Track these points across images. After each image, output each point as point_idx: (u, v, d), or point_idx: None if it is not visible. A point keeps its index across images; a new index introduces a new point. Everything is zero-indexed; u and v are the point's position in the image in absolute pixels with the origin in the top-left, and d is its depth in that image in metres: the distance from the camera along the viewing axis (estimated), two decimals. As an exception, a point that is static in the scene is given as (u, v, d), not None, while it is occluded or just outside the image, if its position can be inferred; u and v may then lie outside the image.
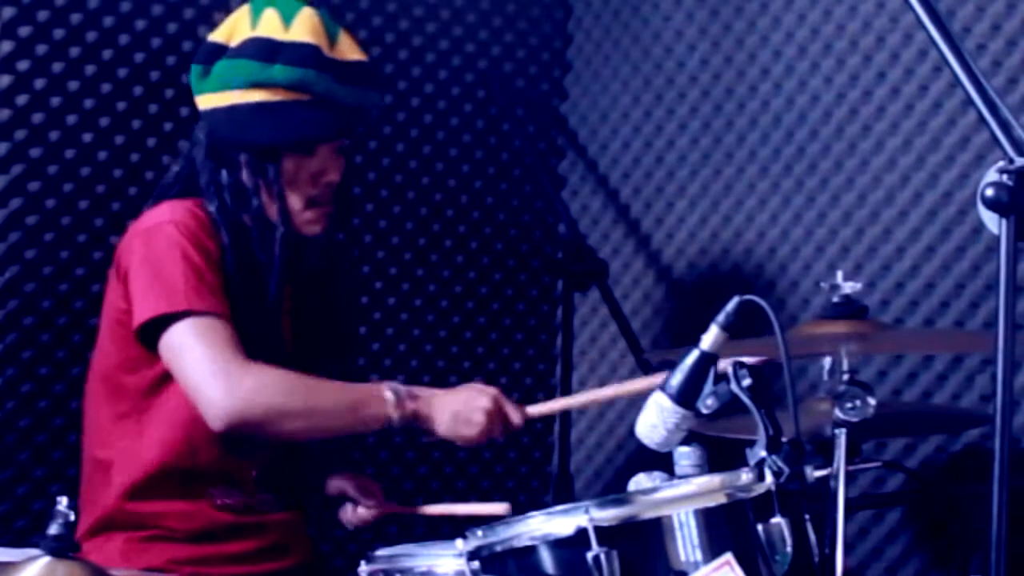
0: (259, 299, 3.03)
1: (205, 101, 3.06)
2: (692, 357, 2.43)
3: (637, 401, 2.54)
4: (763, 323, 2.40)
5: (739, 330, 2.43)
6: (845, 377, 2.72)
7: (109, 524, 3.01)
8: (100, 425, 3.07)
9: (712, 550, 2.27)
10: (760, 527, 2.30)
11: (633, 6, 4.05)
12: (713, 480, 2.34)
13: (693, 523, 2.28)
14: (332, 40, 3.05)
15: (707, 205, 3.89)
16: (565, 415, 3.85)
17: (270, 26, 3.03)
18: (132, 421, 3.02)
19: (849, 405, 2.67)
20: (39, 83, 3.41)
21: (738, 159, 3.82)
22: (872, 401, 2.68)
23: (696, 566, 2.26)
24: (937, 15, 2.18)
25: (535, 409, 3.14)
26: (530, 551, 2.32)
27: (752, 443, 2.35)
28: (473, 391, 3.03)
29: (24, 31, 3.39)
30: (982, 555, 2.07)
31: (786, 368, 2.36)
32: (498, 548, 2.35)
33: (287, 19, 3.03)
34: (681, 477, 2.43)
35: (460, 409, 2.99)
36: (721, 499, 2.31)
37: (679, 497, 2.31)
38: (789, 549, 2.29)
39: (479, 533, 2.38)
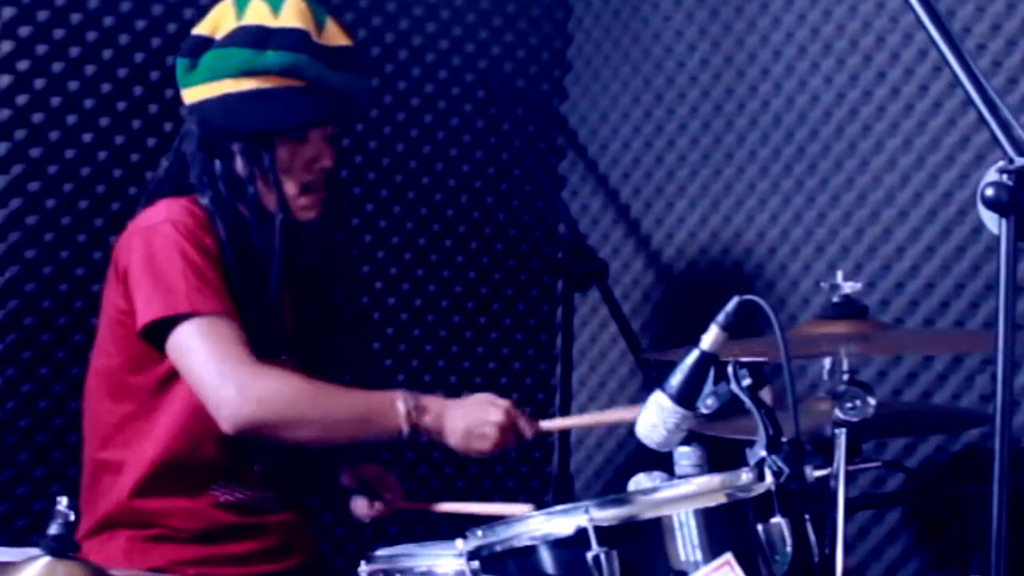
0: (260, 288, 3.03)
1: (194, 93, 3.06)
2: (692, 357, 2.43)
3: (637, 401, 2.54)
4: (763, 323, 2.40)
5: (739, 330, 2.44)
6: (845, 377, 2.72)
7: (112, 523, 3.02)
8: (106, 426, 3.07)
9: (712, 550, 2.27)
10: (760, 527, 2.30)
11: (633, 6, 4.05)
12: (713, 480, 2.34)
13: (693, 523, 2.28)
14: (320, 26, 3.06)
15: (707, 205, 3.89)
16: (565, 415, 3.84)
17: (258, 14, 3.03)
18: (140, 421, 3.02)
19: (849, 405, 2.67)
20: (39, 83, 3.41)
21: (738, 159, 3.82)
22: (872, 401, 2.68)
23: (696, 566, 2.26)
24: (937, 15, 2.18)
25: (548, 424, 3.14)
26: (530, 551, 2.32)
27: (752, 443, 2.35)
28: (485, 404, 3.02)
29: (24, 31, 3.39)
30: (982, 555, 2.07)
31: (786, 368, 2.36)
32: (498, 548, 2.35)
33: (275, 6, 3.03)
34: (681, 477, 2.43)
35: (472, 424, 2.99)
36: (721, 499, 2.31)
37: (679, 497, 2.31)
38: (789, 549, 2.29)
39: (479, 533, 2.38)
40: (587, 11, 4.17)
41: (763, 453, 2.33)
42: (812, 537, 2.35)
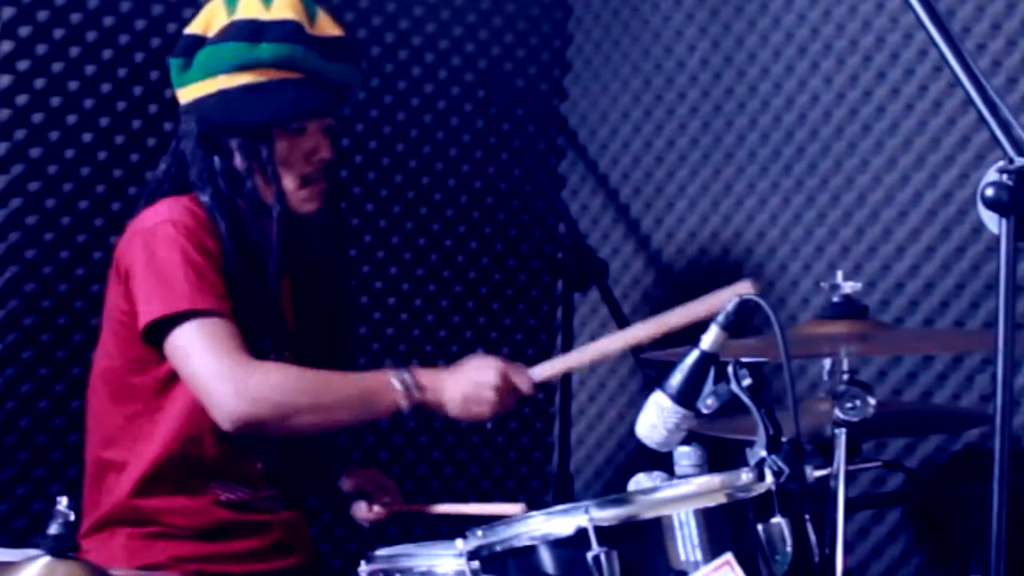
0: (260, 282, 3.03)
1: (190, 92, 3.06)
2: (692, 357, 2.43)
3: (637, 401, 2.54)
4: (763, 323, 2.40)
5: (739, 330, 2.44)
6: (845, 377, 2.72)
7: (113, 520, 3.02)
8: (110, 426, 3.07)
9: (712, 550, 2.27)
10: (760, 527, 2.30)
11: (633, 6, 4.05)
12: (713, 480, 2.34)
13: (693, 523, 2.28)
14: (312, 17, 3.06)
15: (707, 205, 3.89)
16: (565, 415, 3.84)
17: (250, 8, 3.03)
18: (145, 420, 3.02)
19: (849, 405, 2.67)
20: (39, 83, 3.41)
21: (738, 159, 3.82)
22: (872, 401, 2.68)
23: (696, 566, 2.26)
24: (937, 15, 2.18)
25: (540, 372, 3.12)
26: (530, 551, 2.32)
27: (752, 443, 2.35)
28: (478, 369, 3.02)
29: (24, 31, 3.39)
30: (982, 555, 2.07)
31: (786, 368, 2.36)
32: (498, 548, 2.35)
33: (266, 0, 3.03)
34: (681, 477, 2.43)
35: (469, 391, 2.98)
36: (721, 499, 2.31)
37: (679, 497, 2.31)
38: (789, 549, 2.29)
39: (479, 533, 2.38)
40: (587, 11, 4.17)
41: (763, 453, 2.33)
42: (812, 537, 2.35)
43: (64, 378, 3.45)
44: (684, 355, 2.44)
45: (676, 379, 2.43)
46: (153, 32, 3.55)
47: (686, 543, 2.27)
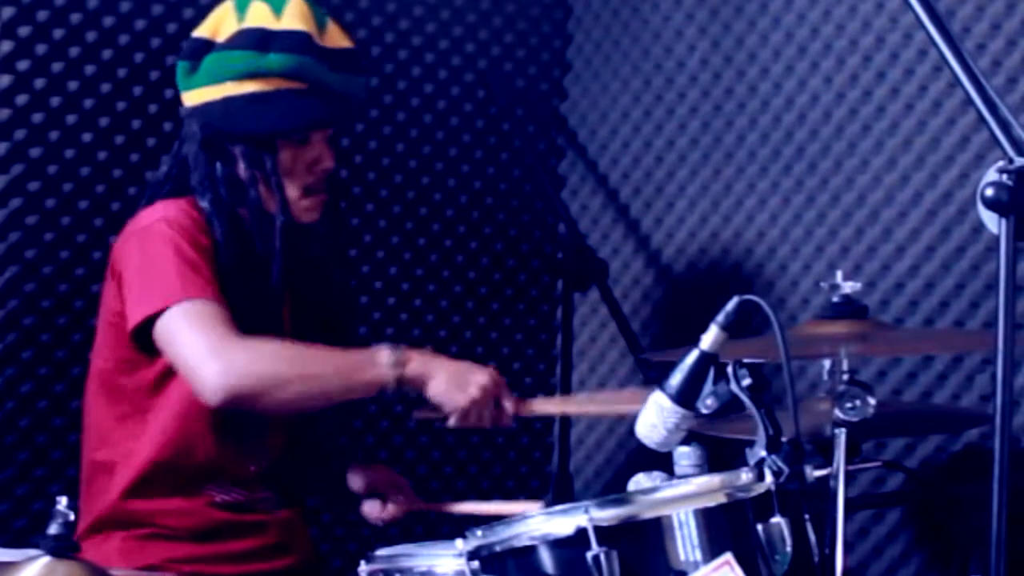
0: (259, 291, 3.03)
1: (195, 96, 3.06)
2: (692, 357, 2.43)
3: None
4: (763, 323, 2.40)
5: (739, 330, 2.43)
6: (845, 377, 2.72)
7: (107, 523, 3.01)
8: (101, 427, 3.07)
9: (712, 550, 2.27)
10: (760, 527, 2.30)
11: (633, 6, 4.05)
12: (713, 480, 2.34)
13: (693, 523, 2.28)
14: (321, 28, 3.06)
15: (707, 205, 3.89)
16: (565, 416, 3.84)
17: (260, 16, 3.03)
18: (134, 422, 3.02)
19: (849, 405, 2.67)
20: (39, 83, 3.41)
21: (738, 159, 3.82)
22: (872, 401, 2.68)
23: (696, 566, 2.26)
24: (937, 15, 2.18)
25: (537, 407, 3.13)
26: (530, 551, 2.32)
27: (752, 443, 2.35)
28: (473, 365, 3.02)
29: (24, 31, 3.39)
30: (982, 555, 2.07)
31: (786, 368, 2.36)
32: (498, 548, 2.35)
33: (276, 9, 3.03)
34: (681, 477, 2.43)
35: (456, 375, 2.98)
36: (721, 499, 2.31)
37: (679, 497, 2.31)
38: (789, 549, 2.29)
39: (479, 533, 2.38)
40: (587, 11, 4.17)
41: (763, 453, 2.33)
42: (812, 537, 2.35)
43: (64, 378, 3.45)
44: (684, 355, 2.44)
45: (676, 379, 2.43)
46: (153, 32, 3.55)
47: (686, 543, 2.27)
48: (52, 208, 3.44)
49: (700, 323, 2.45)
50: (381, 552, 2.72)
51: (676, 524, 2.28)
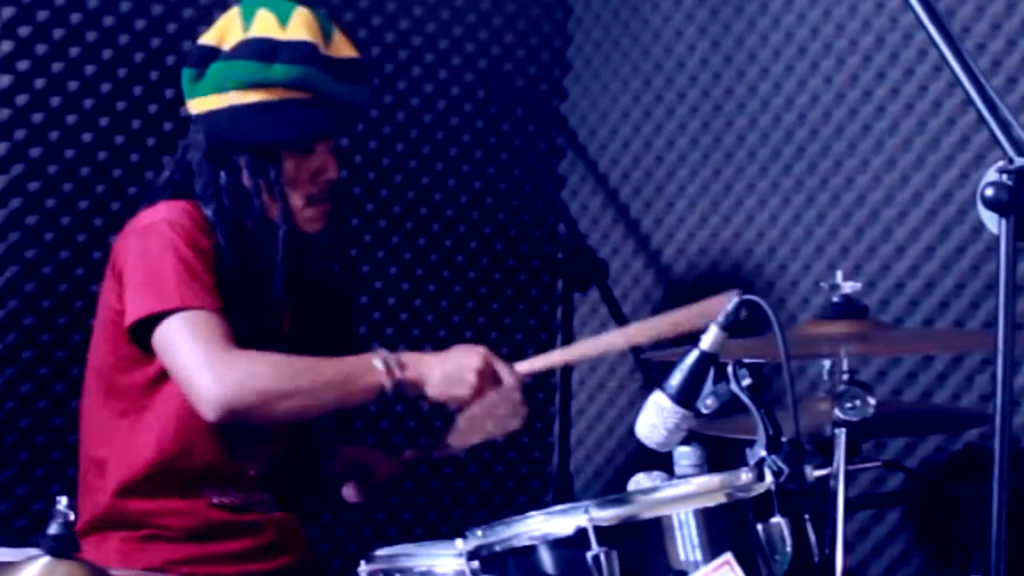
0: (260, 299, 3.03)
1: (200, 104, 3.06)
2: (692, 357, 2.43)
3: (637, 401, 2.54)
4: (763, 323, 2.40)
5: (739, 330, 2.44)
6: (845, 377, 2.72)
7: (104, 523, 3.01)
8: (97, 425, 3.07)
9: (712, 550, 2.27)
10: (760, 527, 2.30)
11: (633, 6, 4.05)
12: (713, 480, 2.34)
13: (693, 523, 2.28)
14: (327, 38, 3.06)
15: (707, 205, 3.89)
16: (565, 415, 3.84)
17: (266, 26, 3.03)
18: (129, 420, 3.02)
19: (849, 405, 2.67)
20: (39, 83, 3.41)
21: (738, 159, 3.82)
22: (872, 401, 2.68)
23: (696, 566, 2.26)
24: (937, 15, 2.18)
25: (525, 366, 3.12)
26: (530, 551, 2.32)
27: (752, 443, 2.35)
28: (462, 351, 3.02)
29: (24, 31, 3.39)
30: (982, 555, 2.07)
31: (786, 368, 2.36)
32: (498, 548, 2.35)
33: (283, 19, 3.03)
34: (681, 477, 2.43)
35: (451, 369, 2.98)
36: (721, 499, 2.31)
37: (679, 497, 2.31)
38: (789, 549, 2.29)
39: (479, 533, 2.38)
40: (587, 11, 4.17)
41: (763, 453, 2.33)
42: (812, 537, 2.35)
43: (64, 378, 3.45)
44: (684, 355, 2.44)
45: (676, 379, 2.43)
46: (153, 32, 3.55)
47: (686, 543, 2.27)
48: (52, 208, 3.44)
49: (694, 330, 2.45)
50: (381, 552, 2.72)
51: (676, 524, 2.28)
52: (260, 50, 3.01)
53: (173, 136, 3.54)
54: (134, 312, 2.92)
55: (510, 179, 4.13)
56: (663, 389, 2.44)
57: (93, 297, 3.27)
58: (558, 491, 3.81)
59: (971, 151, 3.39)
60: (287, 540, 3.15)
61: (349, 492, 3.31)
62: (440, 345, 3.97)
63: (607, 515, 2.27)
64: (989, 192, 2.06)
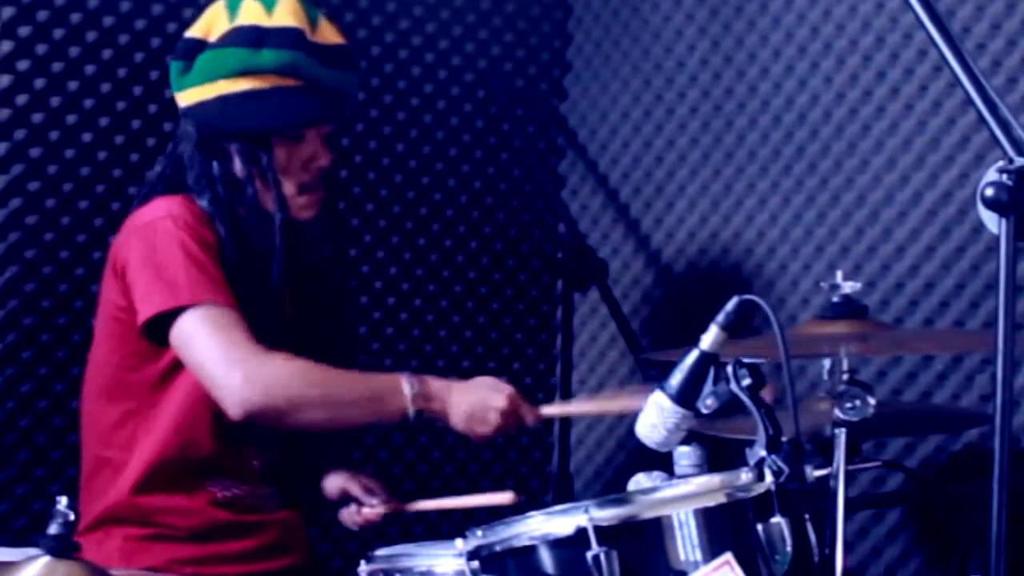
0: (260, 287, 3.03)
1: (189, 96, 3.06)
2: (692, 357, 2.43)
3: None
4: (763, 323, 2.40)
5: (739, 330, 2.44)
6: (845, 377, 2.72)
7: (111, 519, 3.02)
8: (105, 425, 3.07)
9: (712, 550, 2.27)
10: (760, 527, 2.30)
11: (633, 6, 4.05)
12: (713, 480, 2.34)
13: (693, 523, 2.28)
14: (313, 24, 3.07)
15: (707, 205, 3.89)
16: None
17: (252, 14, 3.03)
18: (141, 418, 3.03)
19: (849, 405, 2.67)
20: (39, 83, 3.41)
21: (738, 159, 3.82)
22: (872, 401, 2.68)
23: (696, 566, 2.26)
24: (937, 15, 2.18)
25: (548, 410, 3.15)
26: (530, 551, 2.32)
27: (752, 443, 2.35)
28: (490, 389, 3.02)
29: (24, 31, 3.39)
30: (982, 555, 2.07)
31: (786, 368, 2.36)
32: (498, 548, 2.35)
33: (268, 6, 3.04)
34: (681, 477, 2.43)
35: (476, 408, 2.99)
36: (721, 499, 2.31)
37: (679, 497, 2.31)
38: (789, 549, 2.29)
39: (479, 533, 2.38)
40: (587, 11, 4.17)
41: (763, 453, 2.33)
42: (812, 537, 2.35)
43: (64, 378, 3.45)
44: (684, 355, 2.44)
45: (676, 379, 2.43)
46: (153, 32, 3.55)
47: (686, 543, 2.27)
48: (52, 208, 3.44)
49: (700, 323, 2.45)
50: (381, 552, 2.72)
51: (676, 524, 2.28)
52: (247, 38, 3.02)
53: (173, 136, 3.54)
54: (148, 309, 2.92)
55: (510, 179, 4.13)
56: (663, 389, 2.44)
57: (93, 297, 3.27)
58: (558, 491, 3.81)
59: (971, 151, 3.39)
60: (290, 540, 3.16)
61: (347, 516, 3.29)
62: (440, 345, 4.00)
63: (607, 515, 2.27)
64: (989, 192, 2.06)
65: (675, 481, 2.41)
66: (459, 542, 2.41)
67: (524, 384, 4.12)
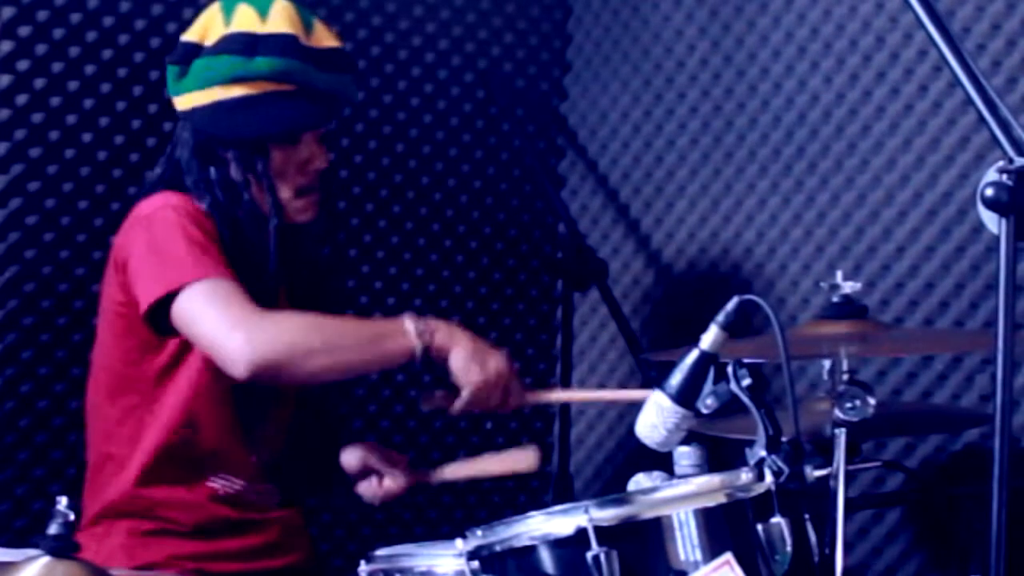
0: (254, 292, 3.03)
1: (186, 101, 3.07)
2: (692, 357, 2.43)
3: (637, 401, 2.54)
4: (763, 323, 2.40)
5: (739, 330, 2.44)
6: (845, 377, 2.72)
7: (114, 512, 3.02)
8: (108, 420, 3.08)
9: (712, 550, 2.27)
10: (760, 527, 2.30)
11: (633, 6, 4.05)
12: (713, 480, 2.34)
13: (693, 523, 2.28)
14: (308, 29, 3.07)
15: (707, 205, 3.89)
16: (565, 415, 3.84)
17: (246, 20, 3.04)
18: (144, 412, 3.04)
19: (849, 405, 2.67)
20: (39, 83, 3.41)
21: (738, 159, 3.82)
22: (872, 401, 2.68)
23: (696, 566, 2.26)
24: (937, 15, 2.18)
25: (535, 397, 3.14)
26: (530, 551, 2.32)
27: (752, 443, 2.35)
28: (494, 348, 3.04)
29: (24, 31, 3.39)
30: (982, 555, 2.07)
31: (786, 368, 2.36)
32: (498, 548, 2.35)
33: (262, 12, 3.04)
34: (681, 477, 2.43)
35: (477, 352, 2.99)
36: (721, 499, 2.31)
37: (679, 497, 2.31)
38: (789, 549, 2.29)
39: (479, 533, 2.38)
40: (587, 11, 4.17)
41: (763, 453, 2.33)
42: (812, 537, 2.35)
43: (64, 378, 3.45)
44: (684, 355, 2.44)
45: (676, 379, 2.43)
46: (153, 32, 3.55)
47: (686, 543, 2.27)
48: (52, 208, 3.44)
49: (700, 323, 2.45)
50: (381, 552, 2.72)
51: (676, 524, 2.28)
52: (240, 44, 3.02)
53: (172, 136, 3.54)
54: (150, 294, 2.92)
55: (510, 179, 4.13)
56: (663, 389, 2.44)
57: (93, 297, 3.27)
58: (558, 491, 3.81)
59: (971, 151, 3.39)
60: (291, 539, 3.16)
61: (367, 488, 3.28)
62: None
63: (607, 515, 2.27)
64: (989, 192, 2.06)
65: (675, 481, 2.41)
66: (459, 542, 2.41)
67: (524, 384, 4.11)
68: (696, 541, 2.27)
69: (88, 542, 2.88)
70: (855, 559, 3.54)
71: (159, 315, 2.93)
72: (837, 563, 2.47)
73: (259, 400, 3.07)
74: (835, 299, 2.79)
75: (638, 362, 3.76)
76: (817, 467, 2.44)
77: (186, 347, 2.99)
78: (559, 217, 4.04)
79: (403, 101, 3.95)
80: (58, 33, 3.43)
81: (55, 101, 3.43)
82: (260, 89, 3.02)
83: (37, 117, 3.41)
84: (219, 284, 2.90)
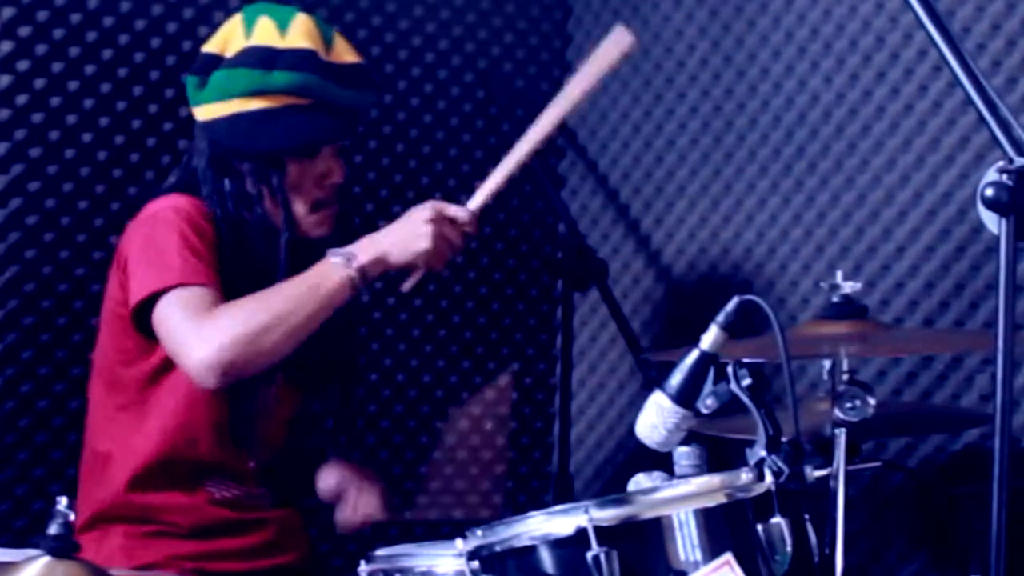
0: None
1: (204, 112, 3.07)
2: (692, 357, 2.43)
3: (637, 401, 2.54)
4: (763, 323, 2.40)
5: (739, 330, 2.44)
6: (845, 377, 2.72)
7: (108, 517, 3.03)
8: (101, 418, 3.09)
9: (712, 550, 2.27)
10: (760, 527, 2.30)
11: (633, 6, 4.05)
12: (713, 480, 2.34)
13: (693, 523, 2.28)
14: (328, 44, 3.07)
15: (707, 205, 3.89)
16: (565, 416, 3.84)
17: (266, 34, 3.04)
18: (132, 413, 3.04)
19: (849, 405, 2.67)
20: (39, 83, 3.41)
21: (738, 159, 3.82)
22: (872, 401, 2.68)
23: (696, 566, 2.26)
24: (937, 15, 2.18)
25: (474, 201, 3.11)
26: (530, 551, 2.32)
27: (752, 443, 2.35)
28: (409, 212, 3.03)
29: (24, 31, 3.39)
30: (982, 555, 2.07)
31: (786, 368, 2.36)
32: (498, 548, 2.35)
33: (282, 26, 3.04)
34: (681, 477, 2.43)
35: (403, 231, 3.00)
36: (721, 499, 2.31)
37: (679, 497, 2.31)
38: (789, 549, 2.29)
39: (479, 533, 2.38)
40: (587, 11, 4.17)
41: (763, 453, 2.33)
42: (812, 537, 2.35)
43: (64, 378, 3.46)
44: (684, 355, 2.44)
45: (676, 379, 2.43)
46: (153, 32, 3.55)
47: (686, 543, 2.27)
48: (52, 208, 3.44)
49: (700, 323, 2.45)
50: (381, 552, 2.72)
51: (676, 524, 2.28)
52: (260, 58, 3.02)
53: (173, 136, 3.55)
54: (137, 295, 2.93)
55: (510, 179, 4.12)
56: (663, 389, 2.44)
57: (93, 297, 3.27)
58: (558, 491, 3.81)
59: (971, 151, 3.39)
60: (290, 538, 3.17)
61: (340, 516, 3.29)
62: (440, 345, 4.00)
63: (607, 515, 2.27)
64: (989, 192, 2.06)
65: (675, 481, 2.41)
66: (459, 542, 2.41)
67: (524, 384, 4.12)
68: (696, 541, 2.27)
69: (86, 544, 2.88)
70: (855, 559, 3.53)
71: (144, 317, 2.93)
72: (837, 563, 2.47)
73: (257, 401, 3.07)
74: (835, 299, 2.79)
75: (638, 362, 3.76)
76: (817, 467, 2.45)
77: None
78: (559, 217, 4.04)
79: (403, 101, 3.95)
80: (58, 33, 3.43)
81: (55, 101, 3.43)
82: (279, 103, 3.02)
83: (37, 117, 3.41)
84: (194, 292, 2.90)
